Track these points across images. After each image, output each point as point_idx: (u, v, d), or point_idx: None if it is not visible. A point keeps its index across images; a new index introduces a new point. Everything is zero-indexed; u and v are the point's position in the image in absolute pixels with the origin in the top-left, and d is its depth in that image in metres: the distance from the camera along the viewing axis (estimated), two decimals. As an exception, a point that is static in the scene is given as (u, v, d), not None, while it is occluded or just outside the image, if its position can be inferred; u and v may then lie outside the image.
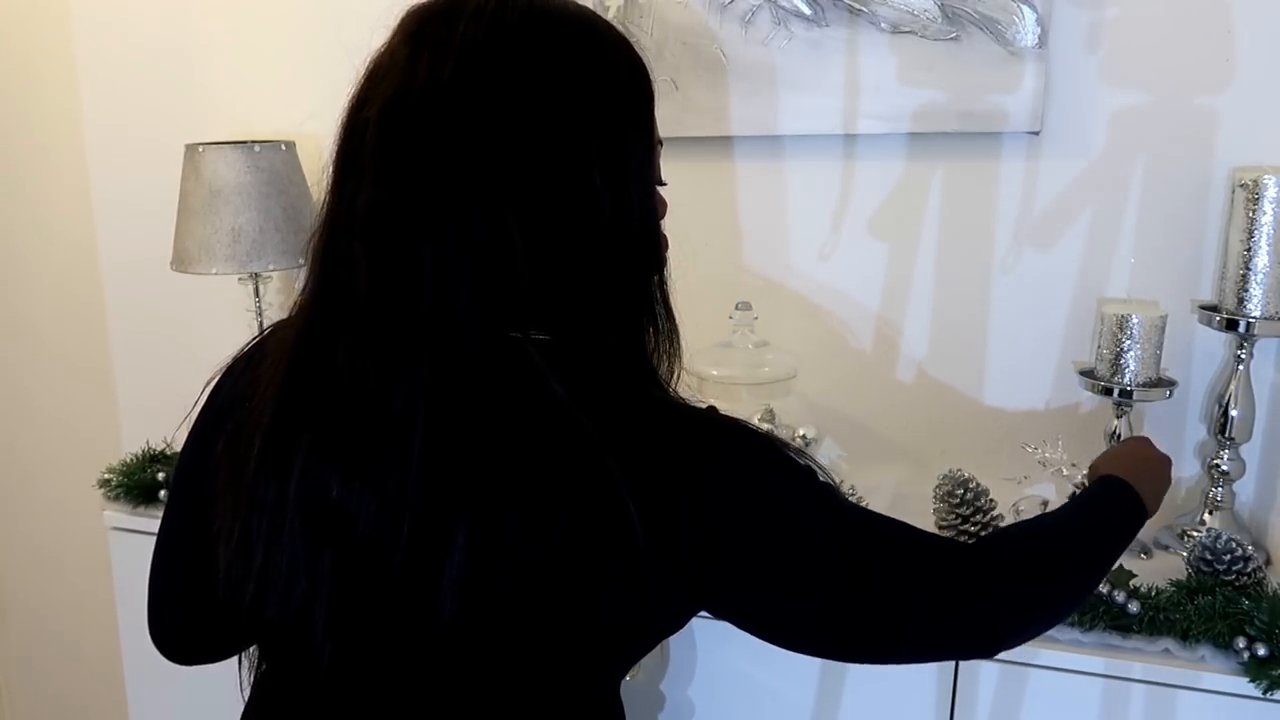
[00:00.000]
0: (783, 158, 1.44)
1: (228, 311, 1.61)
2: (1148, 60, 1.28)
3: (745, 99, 1.41)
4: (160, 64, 1.74)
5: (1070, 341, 1.37)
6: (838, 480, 1.21)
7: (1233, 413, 1.22)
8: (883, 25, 1.34)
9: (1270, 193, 1.15)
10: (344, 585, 0.68)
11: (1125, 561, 1.11)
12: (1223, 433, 1.23)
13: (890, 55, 1.34)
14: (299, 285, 0.72)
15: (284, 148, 1.48)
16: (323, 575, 0.68)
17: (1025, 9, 1.28)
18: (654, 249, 0.74)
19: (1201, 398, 1.32)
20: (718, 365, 1.31)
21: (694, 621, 0.76)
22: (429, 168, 0.64)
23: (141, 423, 1.64)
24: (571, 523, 0.65)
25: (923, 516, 1.26)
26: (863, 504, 1.18)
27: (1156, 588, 1.06)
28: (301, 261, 0.72)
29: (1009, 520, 1.19)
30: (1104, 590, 1.04)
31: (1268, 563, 1.18)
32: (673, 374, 0.76)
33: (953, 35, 1.31)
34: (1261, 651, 0.98)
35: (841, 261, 1.45)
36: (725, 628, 0.75)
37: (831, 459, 1.31)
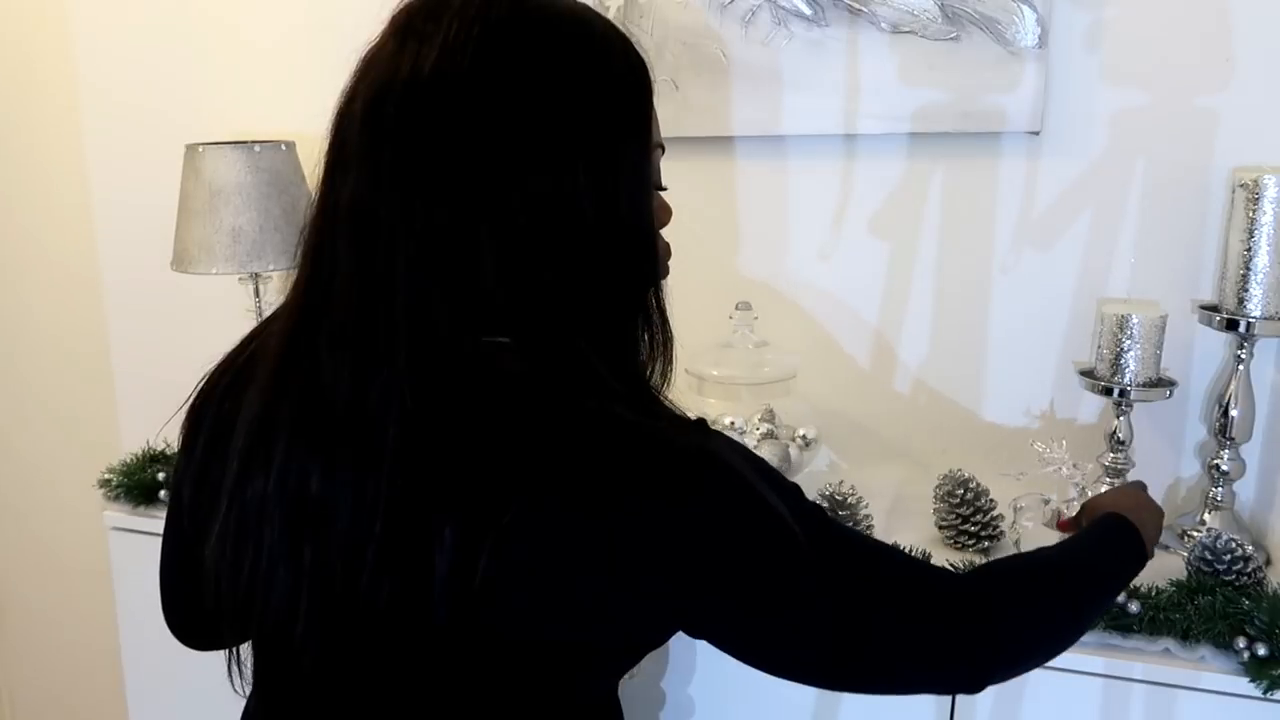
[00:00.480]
0: (783, 158, 1.45)
1: (228, 311, 1.60)
2: (1148, 60, 1.28)
3: (745, 99, 1.41)
4: (160, 64, 1.74)
5: (1070, 341, 1.37)
6: (838, 480, 1.21)
7: (1233, 413, 1.22)
8: (883, 25, 1.34)
9: (1270, 193, 1.15)
10: (324, 583, 0.67)
11: (1125, 561, 1.12)
12: (1223, 433, 1.23)
13: (890, 55, 1.34)
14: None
15: (284, 148, 1.48)
16: (303, 572, 0.67)
17: (1025, 9, 1.28)
18: (647, 256, 0.72)
19: (1201, 398, 1.32)
20: (718, 365, 1.31)
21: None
22: (405, 163, 0.64)
23: (141, 423, 1.64)
24: (540, 534, 0.64)
25: (923, 517, 1.26)
26: (862, 523, 1.18)
27: (1156, 588, 1.06)
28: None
29: (1009, 520, 1.19)
30: (1104, 590, 1.04)
31: (1268, 563, 1.18)
32: (665, 381, 0.75)
33: (953, 35, 1.31)
34: (1261, 651, 0.98)
35: (841, 261, 1.45)
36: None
37: (830, 461, 1.31)
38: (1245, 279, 1.17)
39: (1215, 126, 1.26)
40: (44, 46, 1.93)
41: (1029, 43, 1.29)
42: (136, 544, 1.43)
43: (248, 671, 0.82)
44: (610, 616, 0.66)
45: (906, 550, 1.16)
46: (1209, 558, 1.09)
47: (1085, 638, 1.04)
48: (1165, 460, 1.34)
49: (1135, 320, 1.19)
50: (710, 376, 1.31)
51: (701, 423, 0.72)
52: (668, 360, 0.75)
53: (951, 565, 1.13)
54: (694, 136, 1.42)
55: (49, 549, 2.19)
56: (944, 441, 1.44)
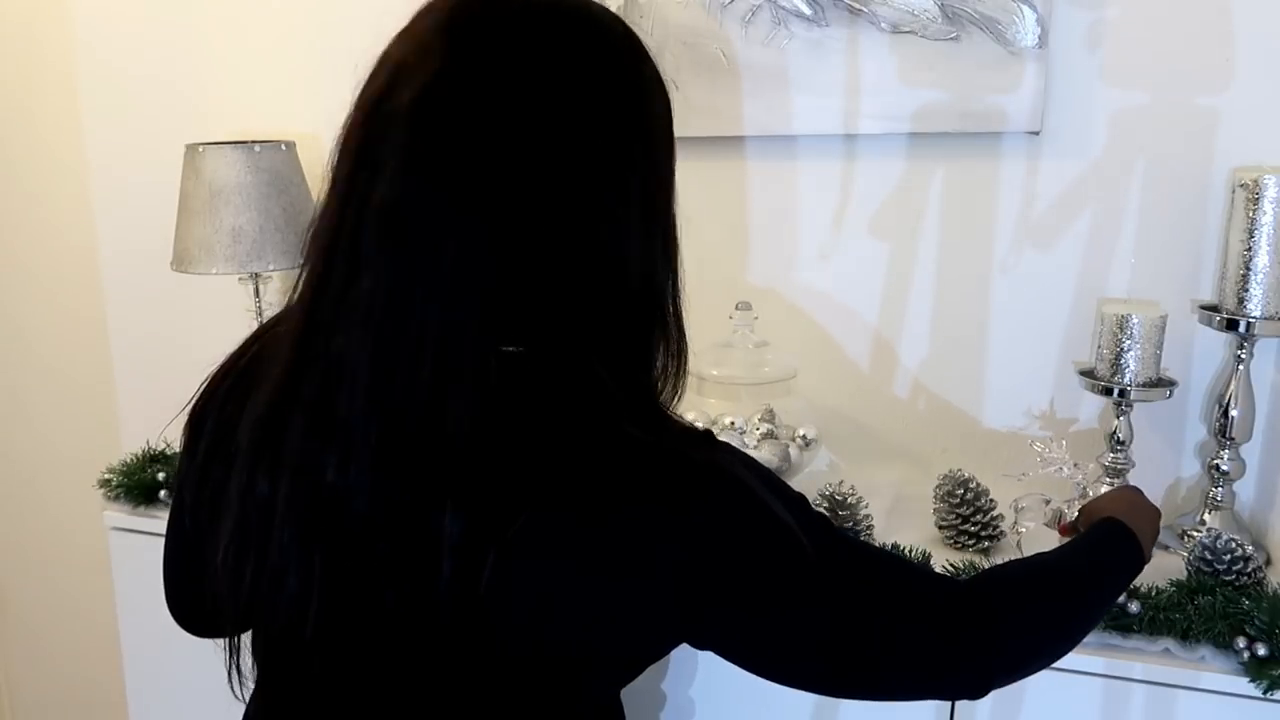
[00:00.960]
0: (783, 158, 1.44)
1: (228, 311, 1.61)
2: (1148, 60, 1.28)
3: (745, 99, 1.41)
4: (160, 64, 1.74)
5: (1070, 341, 1.37)
6: (838, 480, 1.21)
7: (1233, 413, 1.22)
8: (883, 25, 1.34)
9: (1270, 193, 1.14)
10: (334, 585, 0.67)
11: (1125, 561, 1.12)
12: (1223, 433, 1.23)
13: (890, 55, 1.34)
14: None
15: (284, 148, 1.48)
16: (313, 574, 0.67)
17: (1025, 9, 1.28)
18: (672, 264, 0.73)
19: (1201, 398, 1.32)
20: (718, 365, 1.31)
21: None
22: (454, 167, 0.62)
23: (141, 423, 1.64)
24: (545, 545, 0.64)
25: (923, 517, 1.26)
26: (862, 523, 1.18)
27: (1156, 588, 1.06)
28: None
29: (1009, 520, 1.19)
30: (1104, 590, 1.04)
31: (1268, 563, 1.18)
32: (676, 395, 0.75)
33: (953, 35, 1.31)
34: (1261, 651, 0.98)
35: (842, 261, 1.45)
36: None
37: (830, 462, 1.31)
38: (1245, 279, 1.17)
39: (1215, 126, 1.26)
40: (44, 46, 1.94)
41: (1029, 43, 1.29)
42: (136, 544, 1.43)
43: (249, 680, 0.82)
44: (613, 624, 0.66)
45: (906, 551, 1.16)
46: (1209, 558, 1.09)
47: (1086, 637, 1.04)
48: (1165, 460, 1.34)
49: (1135, 320, 1.19)
50: (710, 376, 1.31)
51: (709, 434, 0.72)
52: (680, 370, 0.75)
53: (951, 566, 1.13)
54: (694, 136, 1.42)
55: (49, 549, 2.19)
56: (944, 441, 1.44)
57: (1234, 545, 1.08)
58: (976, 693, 0.77)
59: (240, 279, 1.53)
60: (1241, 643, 0.99)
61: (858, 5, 1.34)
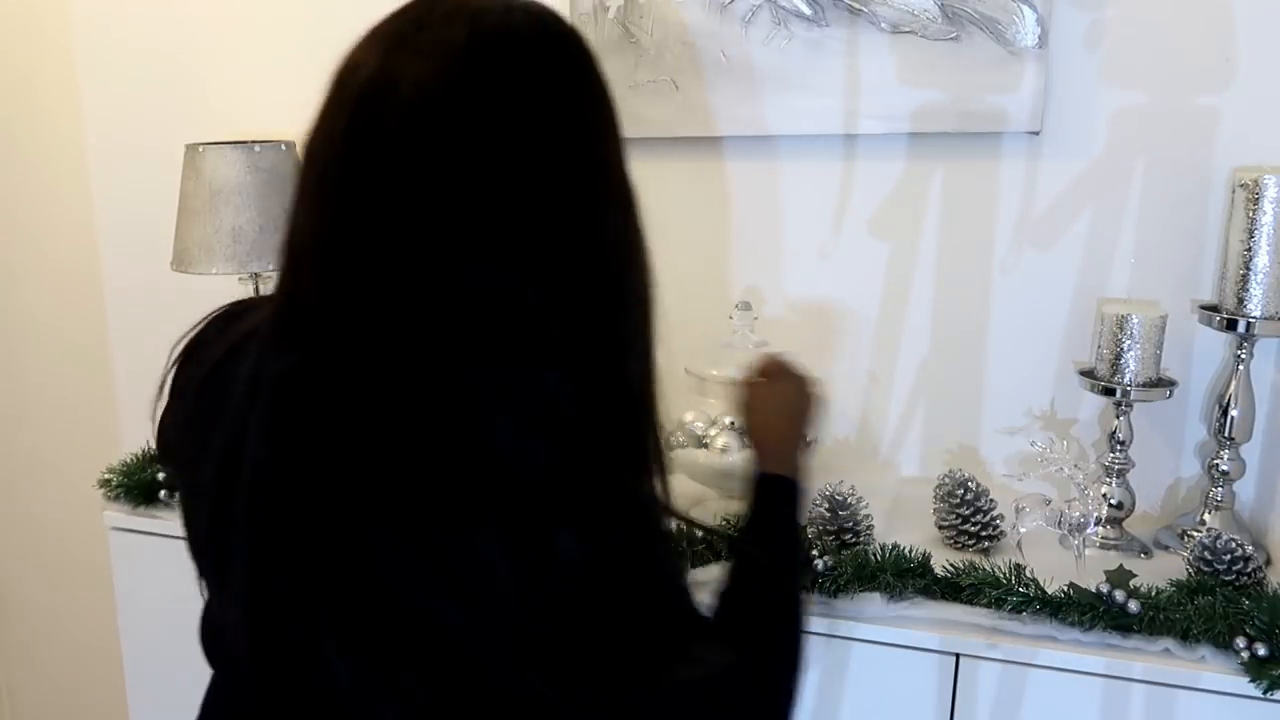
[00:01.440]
0: (783, 158, 1.44)
1: (228, 311, 1.60)
2: (1148, 60, 1.28)
3: (746, 99, 1.41)
4: (160, 64, 1.74)
5: (1070, 341, 1.37)
6: (838, 480, 1.21)
7: (1233, 413, 1.22)
8: (883, 25, 1.34)
9: (1270, 193, 1.15)
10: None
11: (1125, 561, 1.12)
12: (1223, 433, 1.23)
13: (890, 55, 1.34)
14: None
15: (284, 148, 1.48)
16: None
17: (1025, 9, 1.28)
18: (647, 282, 0.70)
19: (1201, 398, 1.32)
20: (718, 365, 1.31)
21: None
22: (392, 186, 0.63)
23: (141, 423, 1.63)
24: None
25: (923, 517, 1.26)
26: (863, 523, 1.17)
27: (1156, 588, 1.06)
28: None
29: (1009, 520, 1.18)
30: (1104, 590, 1.04)
31: (1268, 563, 1.18)
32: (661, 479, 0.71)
33: (953, 35, 1.32)
34: (1261, 651, 0.98)
35: (841, 261, 1.45)
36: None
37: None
38: (1245, 279, 1.17)
39: (1215, 126, 1.26)
40: (44, 46, 1.93)
41: (1029, 43, 1.29)
42: (136, 544, 1.42)
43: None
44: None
45: (906, 551, 1.15)
46: (1209, 558, 1.09)
47: (1085, 638, 1.04)
48: (1165, 460, 1.34)
49: (1135, 320, 1.19)
50: (710, 376, 1.31)
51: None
52: (658, 456, 0.71)
53: (950, 566, 1.12)
54: (694, 136, 1.42)
55: (49, 549, 2.19)
56: (944, 441, 1.44)
57: (1234, 545, 1.08)
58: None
59: (240, 279, 1.53)
60: (1241, 643, 0.99)
61: (858, 5, 1.35)
